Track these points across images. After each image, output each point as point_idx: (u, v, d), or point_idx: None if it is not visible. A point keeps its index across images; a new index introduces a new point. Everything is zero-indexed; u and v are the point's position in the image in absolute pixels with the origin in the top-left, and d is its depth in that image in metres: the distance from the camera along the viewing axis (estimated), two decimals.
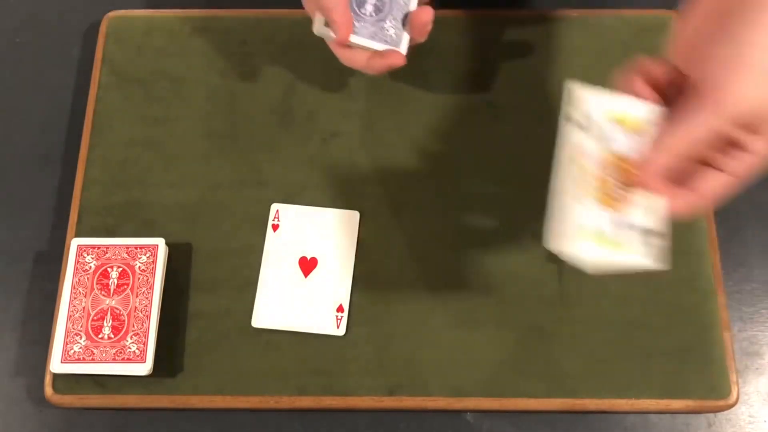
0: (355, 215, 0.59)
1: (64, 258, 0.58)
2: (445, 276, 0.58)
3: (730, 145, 0.45)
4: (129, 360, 0.54)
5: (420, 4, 0.55)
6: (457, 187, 0.61)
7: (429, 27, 0.54)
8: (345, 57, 0.56)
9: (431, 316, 0.57)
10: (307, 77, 0.55)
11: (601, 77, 0.64)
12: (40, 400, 0.56)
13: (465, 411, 0.56)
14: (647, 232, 0.46)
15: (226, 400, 0.55)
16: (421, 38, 0.55)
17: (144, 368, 0.54)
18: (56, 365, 0.54)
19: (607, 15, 0.66)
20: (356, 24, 0.54)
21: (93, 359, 0.54)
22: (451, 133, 0.62)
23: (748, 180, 0.46)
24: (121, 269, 0.57)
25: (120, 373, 0.55)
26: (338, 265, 0.58)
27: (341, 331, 0.56)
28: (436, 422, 0.56)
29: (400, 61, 0.54)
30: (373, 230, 0.59)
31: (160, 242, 0.57)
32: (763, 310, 0.59)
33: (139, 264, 0.57)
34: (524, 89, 0.64)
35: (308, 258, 0.58)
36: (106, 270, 0.57)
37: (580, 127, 0.47)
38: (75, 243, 0.57)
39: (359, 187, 0.61)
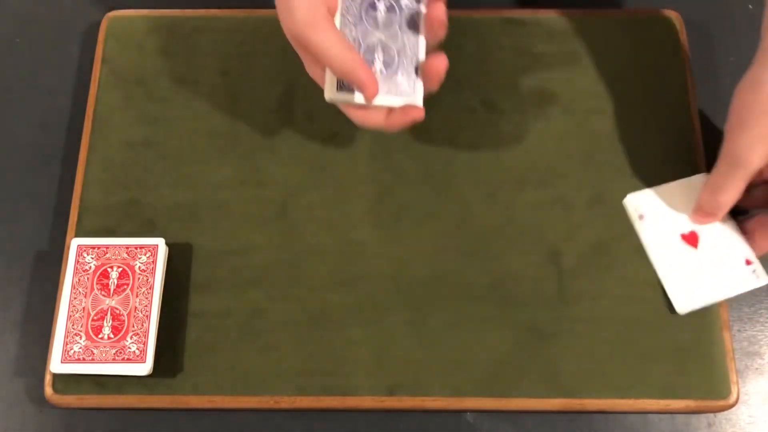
0: (703, 177, 0.59)
1: (64, 258, 0.58)
2: (445, 276, 0.58)
3: None
4: (129, 360, 0.54)
5: (428, 50, 0.54)
6: (456, 187, 0.61)
7: (443, 75, 0.53)
8: (361, 118, 0.54)
9: (431, 316, 0.57)
10: (307, 77, 0.55)
11: (601, 77, 0.64)
12: (40, 400, 0.56)
13: (465, 411, 0.56)
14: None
15: (226, 400, 0.55)
16: (435, 87, 0.53)
17: (144, 368, 0.54)
18: (56, 365, 0.54)
19: (607, 15, 0.66)
20: None
21: (93, 359, 0.54)
22: (451, 133, 0.62)
23: None
24: (121, 269, 0.57)
25: (120, 373, 0.55)
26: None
27: (763, 281, 0.56)
28: (436, 422, 0.56)
29: (420, 115, 0.53)
30: (373, 230, 0.59)
31: (160, 242, 0.57)
32: (763, 310, 0.59)
33: (139, 264, 0.57)
34: (524, 89, 0.64)
35: (687, 233, 0.57)
36: (106, 270, 0.57)
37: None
38: (75, 243, 0.57)
39: (359, 186, 0.61)
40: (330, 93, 0.52)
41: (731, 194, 0.54)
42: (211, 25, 0.66)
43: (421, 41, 0.54)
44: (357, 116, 0.54)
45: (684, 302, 0.56)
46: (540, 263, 0.58)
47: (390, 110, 0.54)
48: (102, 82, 0.64)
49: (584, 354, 0.56)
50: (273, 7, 0.52)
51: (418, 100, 0.53)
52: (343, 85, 0.52)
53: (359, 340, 0.57)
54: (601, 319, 0.57)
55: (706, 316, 0.57)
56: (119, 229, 0.60)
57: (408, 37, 0.53)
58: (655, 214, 0.58)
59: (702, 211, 0.57)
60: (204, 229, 0.60)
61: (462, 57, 0.65)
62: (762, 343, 0.58)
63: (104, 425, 0.56)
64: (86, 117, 0.63)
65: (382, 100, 0.52)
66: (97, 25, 0.66)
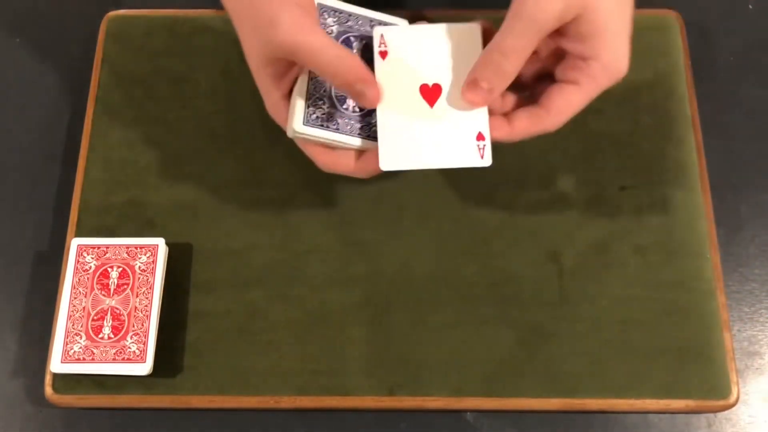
0: (476, 29, 0.50)
1: (64, 258, 0.58)
2: (445, 276, 0.58)
3: (571, 58, 0.48)
4: (129, 360, 0.54)
5: None
6: (456, 187, 0.61)
7: None
8: (328, 162, 0.50)
9: (431, 316, 0.57)
10: None
11: None
12: (40, 400, 0.56)
13: (465, 411, 0.56)
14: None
15: (226, 400, 0.55)
16: None
17: (144, 368, 0.54)
18: (56, 365, 0.54)
19: None
20: (339, 121, 0.49)
21: (93, 359, 0.54)
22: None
23: (598, 89, 0.49)
24: (121, 269, 0.57)
25: (120, 373, 0.55)
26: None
27: (486, 161, 0.49)
28: (436, 422, 0.56)
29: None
30: (373, 230, 0.59)
31: (160, 242, 0.57)
32: (763, 310, 0.59)
33: (139, 264, 0.57)
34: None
35: (430, 85, 0.49)
36: (106, 270, 0.57)
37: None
38: (75, 243, 0.57)
39: (359, 186, 0.61)
40: (297, 125, 0.49)
41: (519, 58, 0.47)
42: (211, 25, 0.66)
43: None
44: (323, 160, 0.51)
45: (390, 160, 0.49)
46: (540, 263, 0.58)
47: (360, 153, 0.50)
48: (102, 82, 0.64)
49: (584, 354, 0.56)
50: None
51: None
52: (310, 120, 0.49)
53: (359, 340, 0.57)
54: (601, 319, 0.57)
55: (706, 316, 0.57)
56: (119, 229, 0.60)
57: None
58: (400, 55, 0.50)
59: (477, 84, 0.48)
60: (204, 229, 0.60)
61: None
62: (762, 343, 0.59)
63: (104, 425, 0.56)
64: (86, 117, 0.63)
65: (352, 140, 0.50)
66: (97, 25, 0.66)
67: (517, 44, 0.46)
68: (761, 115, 0.65)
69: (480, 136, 0.49)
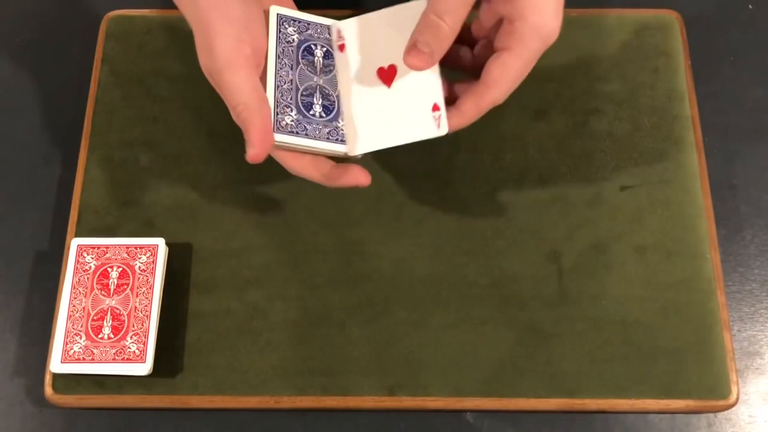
0: (423, 5, 0.50)
1: (64, 258, 0.58)
2: (445, 276, 0.58)
3: (505, 23, 0.49)
4: (129, 360, 0.54)
5: None
6: (456, 187, 0.61)
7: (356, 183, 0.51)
8: (294, 166, 0.51)
9: (431, 316, 0.57)
10: None
11: (601, 77, 0.64)
12: (40, 400, 0.56)
13: (465, 411, 0.56)
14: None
15: (226, 400, 0.55)
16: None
17: (144, 368, 0.54)
18: (56, 365, 0.54)
19: (607, 15, 0.66)
20: (307, 126, 0.50)
21: (93, 359, 0.54)
22: (451, 133, 0.62)
23: (530, 53, 0.49)
24: (121, 269, 0.57)
25: (120, 373, 0.55)
26: None
27: (443, 130, 0.50)
28: (436, 422, 0.56)
29: (365, 181, 0.51)
30: (373, 230, 0.59)
31: (160, 242, 0.57)
32: (762, 310, 0.59)
33: (139, 264, 0.57)
34: (523, 89, 0.64)
35: (386, 67, 0.51)
36: (106, 270, 0.57)
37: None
38: (75, 243, 0.57)
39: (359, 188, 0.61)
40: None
41: (454, 19, 0.47)
42: None
43: None
44: (291, 165, 0.51)
45: (357, 145, 0.51)
46: (540, 263, 0.58)
47: (335, 166, 0.51)
48: (102, 82, 0.64)
49: (584, 354, 0.56)
50: None
51: (359, 149, 0.51)
52: (280, 127, 0.49)
53: (359, 340, 0.57)
54: (601, 319, 0.57)
55: (706, 316, 0.57)
56: (119, 229, 0.60)
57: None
58: (357, 45, 0.52)
59: (417, 48, 0.48)
60: (204, 229, 0.60)
61: None
62: (762, 343, 0.58)
63: (104, 425, 0.56)
64: (86, 117, 0.63)
65: (321, 144, 0.50)
66: (97, 25, 0.66)
67: (451, 5, 0.47)
68: (761, 115, 0.65)
69: (435, 107, 0.50)
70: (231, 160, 0.62)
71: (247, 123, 0.47)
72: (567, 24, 0.66)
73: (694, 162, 0.61)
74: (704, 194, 0.60)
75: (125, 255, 0.57)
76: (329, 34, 0.53)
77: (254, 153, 0.48)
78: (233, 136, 0.63)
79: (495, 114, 0.63)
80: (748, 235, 0.61)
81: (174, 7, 0.66)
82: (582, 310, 0.57)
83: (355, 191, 0.60)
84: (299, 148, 0.51)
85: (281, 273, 0.58)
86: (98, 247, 0.57)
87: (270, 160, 0.62)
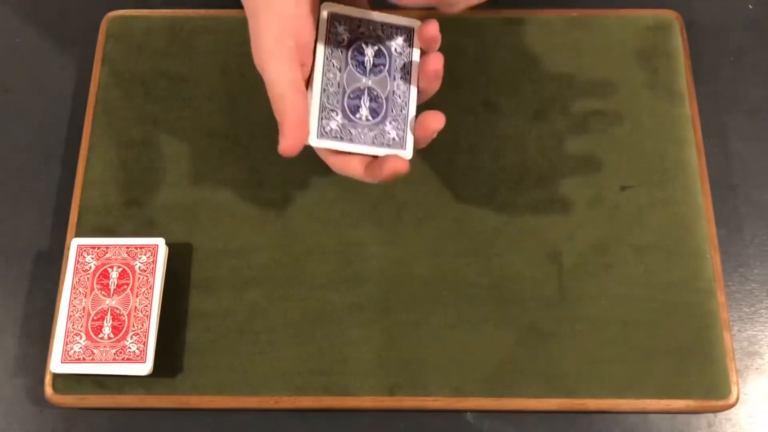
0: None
1: (64, 258, 0.58)
2: (445, 276, 0.58)
3: None
4: (129, 360, 0.54)
5: (421, 101, 0.51)
6: (456, 187, 0.61)
7: (434, 135, 0.50)
8: (337, 164, 0.51)
9: (431, 316, 0.57)
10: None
11: (601, 77, 0.64)
12: (40, 400, 0.56)
13: (465, 411, 0.56)
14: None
15: (226, 400, 0.55)
16: (422, 145, 0.51)
17: (144, 368, 0.54)
18: (56, 365, 0.54)
19: (607, 15, 0.66)
20: (352, 131, 0.49)
21: (93, 359, 0.54)
22: (450, 133, 0.62)
23: None
24: (121, 269, 0.57)
25: (120, 373, 0.55)
26: None
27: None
28: (436, 422, 0.56)
29: (403, 167, 0.48)
30: (373, 230, 0.59)
31: (160, 242, 0.57)
32: (763, 310, 0.59)
33: (139, 264, 0.57)
34: (524, 89, 0.64)
35: None
36: (106, 270, 0.57)
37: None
38: (75, 243, 0.57)
39: (359, 186, 0.61)
40: (312, 139, 0.49)
41: None
42: (211, 25, 0.66)
43: (413, 91, 0.51)
44: (334, 162, 0.51)
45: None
46: (540, 263, 0.58)
47: (371, 160, 0.50)
48: (102, 82, 0.64)
49: (584, 354, 0.56)
50: None
51: (406, 153, 0.50)
52: (324, 132, 0.49)
53: (359, 340, 0.57)
54: (601, 319, 0.57)
55: (706, 316, 0.57)
56: (119, 229, 0.60)
57: (398, 85, 0.51)
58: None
59: None
60: (204, 229, 0.60)
61: (462, 57, 0.65)
62: (762, 343, 0.58)
63: (104, 425, 0.56)
64: (86, 117, 0.63)
65: (366, 149, 0.50)
66: (97, 25, 0.66)
67: None
68: (761, 115, 0.65)
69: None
70: (231, 160, 0.62)
71: (282, 115, 0.48)
72: (567, 24, 0.66)
73: (694, 162, 0.61)
74: (704, 194, 0.60)
75: (125, 255, 0.57)
76: (381, 31, 0.52)
77: (286, 145, 0.48)
78: (233, 136, 0.63)
79: (494, 115, 0.63)
80: (748, 235, 0.61)
81: (174, 7, 0.67)
82: (582, 310, 0.57)
83: (354, 191, 0.61)
84: (344, 151, 0.50)
85: (281, 273, 0.58)
86: (98, 247, 0.57)
87: (269, 162, 0.62)
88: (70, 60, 0.67)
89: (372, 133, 0.50)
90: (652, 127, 0.62)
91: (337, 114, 0.50)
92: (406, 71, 0.52)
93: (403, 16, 0.52)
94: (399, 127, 0.51)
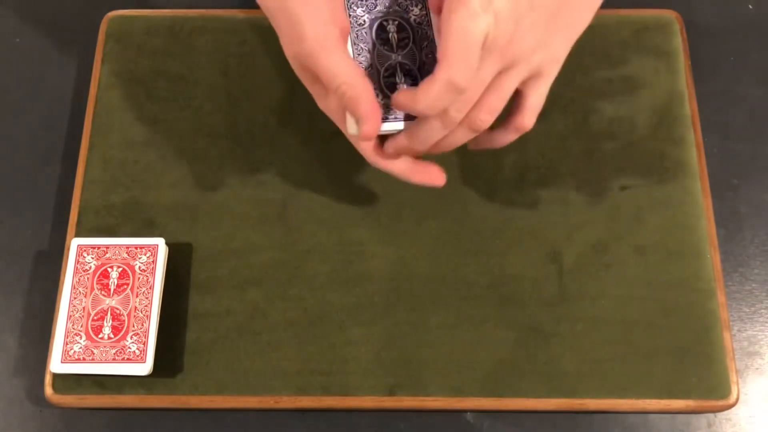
0: None
1: (64, 258, 0.58)
2: (445, 276, 0.58)
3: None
4: (129, 360, 0.54)
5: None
6: (456, 187, 0.61)
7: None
8: (381, 160, 0.51)
9: (431, 316, 0.57)
10: None
11: (601, 77, 0.64)
12: (40, 400, 0.56)
13: (465, 411, 0.56)
14: None
15: (226, 400, 0.55)
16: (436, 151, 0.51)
17: (144, 368, 0.54)
18: (56, 365, 0.54)
19: (607, 15, 0.66)
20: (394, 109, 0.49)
21: (93, 359, 0.54)
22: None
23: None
24: (121, 269, 0.57)
25: (120, 373, 0.55)
26: None
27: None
28: (436, 422, 0.56)
29: (441, 181, 0.51)
30: (373, 230, 0.59)
31: (160, 242, 0.57)
32: (763, 310, 0.59)
33: (139, 264, 0.57)
34: None
35: None
36: (106, 270, 0.57)
37: None
38: (75, 243, 0.57)
39: (359, 186, 0.61)
40: (353, 129, 0.48)
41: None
42: (211, 25, 0.66)
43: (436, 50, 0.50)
44: (377, 160, 0.51)
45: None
46: (540, 263, 0.58)
47: (414, 164, 0.51)
48: (102, 82, 0.64)
49: (584, 354, 0.56)
50: None
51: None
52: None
53: (359, 340, 0.57)
54: (601, 319, 0.57)
55: (706, 316, 0.57)
56: (119, 229, 0.60)
57: (426, 54, 0.50)
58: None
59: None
60: (204, 229, 0.60)
61: None
62: (762, 343, 0.58)
63: (104, 425, 0.56)
64: (86, 117, 0.63)
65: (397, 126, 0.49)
66: (97, 25, 0.66)
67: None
68: (761, 115, 0.65)
69: None
70: (231, 160, 0.62)
71: (354, 101, 0.46)
72: None
73: (694, 162, 0.61)
74: (704, 194, 0.60)
75: (125, 255, 0.57)
76: (398, 5, 0.51)
77: (368, 128, 0.46)
78: (233, 137, 0.63)
79: None
80: (748, 235, 0.61)
81: (174, 7, 0.67)
82: (582, 310, 0.57)
83: (354, 191, 0.61)
84: (389, 133, 0.49)
85: (281, 273, 0.58)
86: (98, 247, 0.57)
87: (269, 162, 0.62)
88: (70, 60, 0.67)
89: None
90: (652, 127, 0.62)
91: (378, 96, 0.49)
92: (429, 39, 0.51)
93: None
94: None
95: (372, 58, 0.50)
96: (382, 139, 0.51)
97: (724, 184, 0.62)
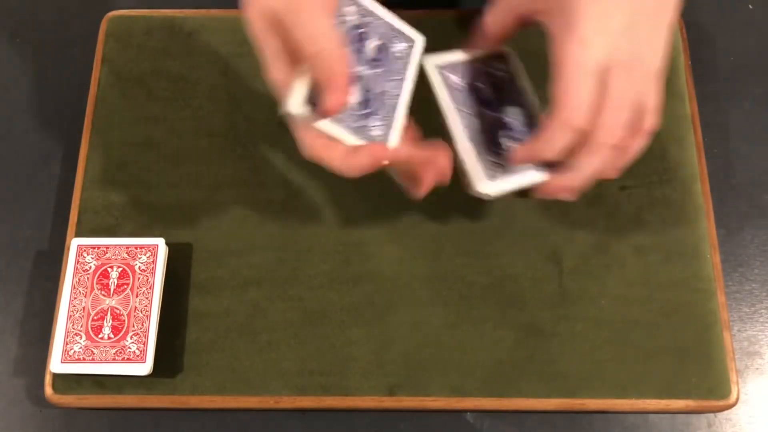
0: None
1: (64, 258, 0.58)
2: (445, 276, 0.58)
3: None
4: (129, 360, 0.54)
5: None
6: (456, 187, 0.61)
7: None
8: (318, 148, 0.46)
9: (431, 316, 0.57)
10: None
11: None
12: (40, 400, 0.56)
13: (465, 411, 0.56)
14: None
15: (226, 400, 0.55)
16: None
17: (144, 368, 0.54)
18: (56, 365, 0.54)
19: None
20: (341, 114, 0.46)
21: (93, 359, 0.54)
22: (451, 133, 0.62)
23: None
24: (121, 269, 0.57)
25: (120, 373, 0.55)
26: None
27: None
28: (436, 422, 0.56)
29: (382, 153, 0.45)
30: (373, 230, 0.59)
31: (160, 242, 0.57)
32: (762, 310, 0.60)
33: (139, 264, 0.57)
34: None
35: None
36: (106, 270, 0.57)
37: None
38: (75, 243, 0.57)
39: (359, 187, 0.61)
40: (295, 107, 0.44)
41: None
42: (211, 25, 0.66)
43: (402, 100, 0.49)
44: (314, 144, 0.46)
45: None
46: (540, 263, 0.58)
47: (350, 149, 0.47)
48: (102, 82, 0.64)
49: (584, 354, 0.56)
50: None
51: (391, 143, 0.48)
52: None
53: (359, 340, 0.57)
54: (601, 319, 0.57)
55: (706, 316, 0.57)
56: (119, 229, 0.60)
57: (392, 87, 0.49)
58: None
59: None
60: (204, 229, 0.60)
61: None
62: (762, 343, 0.59)
63: (104, 425, 0.56)
64: (86, 117, 0.63)
65: (348, 136, 0.47)
66: (97, 25, 0.66)
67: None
68: (761, 115, 0.65)
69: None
70: (231, 160, 0.62)
71: (328, 71, 0.42)
72: None
73: (694, 162, 0.61)
74: (704, 194, 0.60)
75: (125, 255, 0.57)
76: (397, 40, 0.50)
77: (333, 103, 0.42)
78: (233, 137, 0.63)
79: None
80: (748, 235, 0.61)
81: (174, 7, 0.67)
82: (582, 310, 0.57)
83: (354, 191, 0.61)
84: (330, 134, 0.47)
85: (281, 273, 0.58)
86: (98, 247, 0.57)
87: (269, 162, 0.62)
88: (70, 60, 0.67)
89: (356, 124, 0.47)
90: None
91: (486, 156, 0.50)
92: (400, 78, 0.50)
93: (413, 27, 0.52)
94: (383, 127, 0.48)
95: (475, 121, 0.51)
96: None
97: (724, 184, 0.62)
